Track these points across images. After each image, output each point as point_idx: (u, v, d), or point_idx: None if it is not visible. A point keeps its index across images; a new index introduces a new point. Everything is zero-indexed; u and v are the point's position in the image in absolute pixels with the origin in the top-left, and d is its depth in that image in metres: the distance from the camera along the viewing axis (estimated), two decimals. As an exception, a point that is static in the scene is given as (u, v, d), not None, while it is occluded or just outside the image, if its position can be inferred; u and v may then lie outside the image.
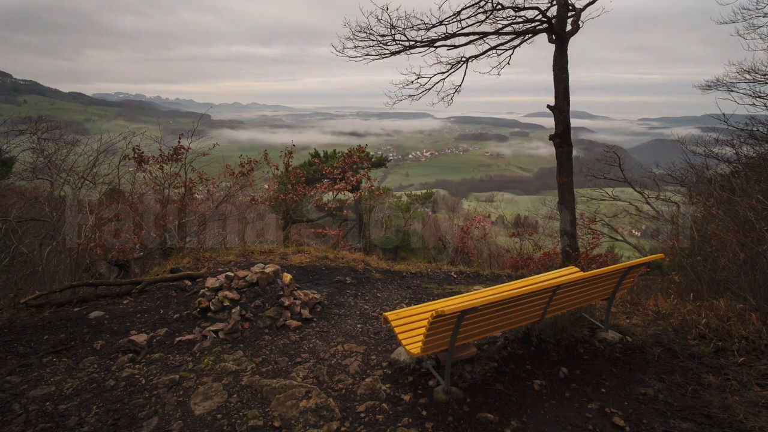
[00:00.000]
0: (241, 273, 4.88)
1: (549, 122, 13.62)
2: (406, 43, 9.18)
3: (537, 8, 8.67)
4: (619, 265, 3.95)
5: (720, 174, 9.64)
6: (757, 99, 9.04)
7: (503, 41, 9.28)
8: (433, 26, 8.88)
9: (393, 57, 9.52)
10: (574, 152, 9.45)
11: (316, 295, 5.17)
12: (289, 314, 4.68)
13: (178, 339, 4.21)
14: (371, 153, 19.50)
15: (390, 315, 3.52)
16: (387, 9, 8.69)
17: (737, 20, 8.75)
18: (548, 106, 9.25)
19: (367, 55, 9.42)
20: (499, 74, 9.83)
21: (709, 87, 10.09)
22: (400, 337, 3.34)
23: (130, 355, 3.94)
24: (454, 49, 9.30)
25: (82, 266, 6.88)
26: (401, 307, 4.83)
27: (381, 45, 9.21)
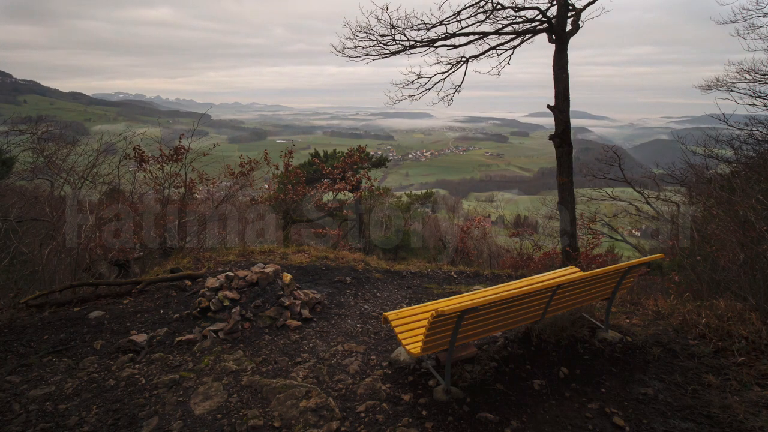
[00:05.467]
0: (241, 273, 4.88)
1: (549, 122, 13.62)
2: (406, 43, 9.18)
3: (537, 8, 8.67)
4: (619, 265, 3.95)
5: (720, 174, 9.65)
6: (757, 99, 9.06)
7: (503, 41, 9.28)
8: (433, 26, 8.88)
9: (393, 57, 9.53)
10: (574, 152, 9.45)
11: (316, 295, 5.17)
12: (289, 314, 4.68)
13: (178, 339, 4.21)
14: (371, 153, 19.51)
15: (390, 315, 3.52)
16: (387, 9, 8.70)
17: (737, 20, 8.77)
18: (548, 106, 9.24)
19: (367, 55, 9.42)
20: (499, 74, 9.84)
21: (709, 87, 10.11)
22: (400, 337, 3.34)
23: (130, 355, 3.94)
24: (454, 49, 9.31)
25: (82, 266, 6.88)
26: (401, 307, 4.83)
27: (381, 45, 9.21)
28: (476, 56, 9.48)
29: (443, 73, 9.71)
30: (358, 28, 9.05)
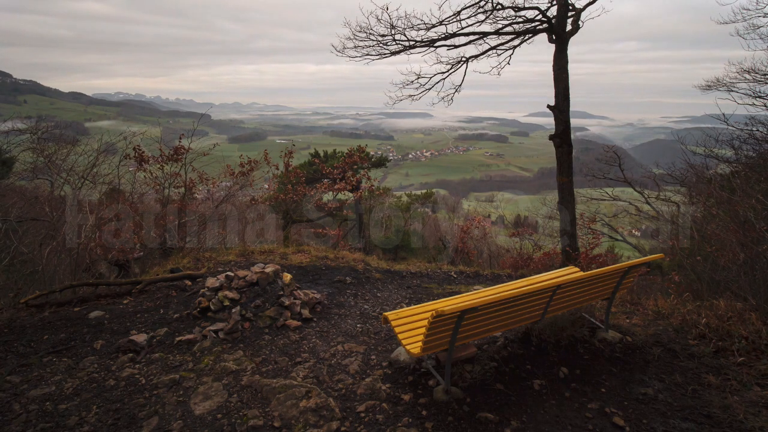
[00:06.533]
0: (241, 273, 4.88)
1: (549, 122, 13.62)
2: (406, 43, 9.18)
3: (537, 8, 8.67)
4: (619, 265, 3.95)
5: (720, 174, 9.65)
6: (757, 99, 9.07)
7: (503, 41, 9.28)
8: (433, 26, 8.88)
9: (393, 57, 9.53)
10: (574, 152, 9.45)
11: (316, 295, 5.17)
12: (289, 314, 4.68)
13: (178, 339, 4.21)
14: (371, 153, 19.50)
15: (390, 315, 3.52)
16: (387, 9, 8.70)
17: (737, 20, 8.77)
18: (548, 106, 9.24)
19: (367, 55, 9.43)
20: (499, 74, 9.84)
21: (709, 87, 10.11)
22: (400, 336, 3.34)
23: (130, 354, 3.94)
24: (454, 49, 9.31)
25: (82, 266, 6.88)
26: (401, 307, 4.83)
27: (381, 45, 9.21)
28: (476, 56, 9.49)
29: (443, 73, 9.71)
30: (358, 28, 9.05)
